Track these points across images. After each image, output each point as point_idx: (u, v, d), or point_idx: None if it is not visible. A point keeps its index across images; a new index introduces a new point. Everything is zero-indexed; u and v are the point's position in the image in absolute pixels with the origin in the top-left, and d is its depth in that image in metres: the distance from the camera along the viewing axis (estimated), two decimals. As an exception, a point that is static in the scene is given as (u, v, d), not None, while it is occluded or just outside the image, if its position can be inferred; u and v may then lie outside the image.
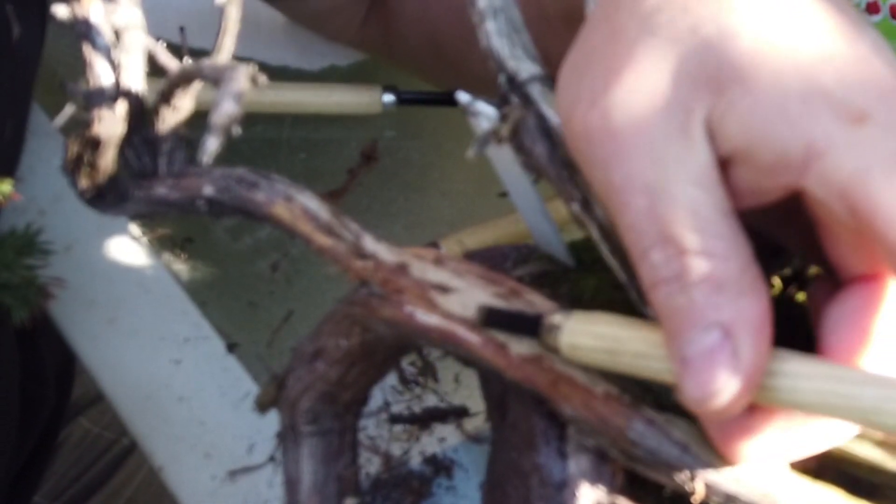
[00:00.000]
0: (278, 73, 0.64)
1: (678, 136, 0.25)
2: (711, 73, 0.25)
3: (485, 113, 0.30)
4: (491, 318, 0.31)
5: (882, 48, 0.26)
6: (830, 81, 0.24)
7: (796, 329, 0.29)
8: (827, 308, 0.26)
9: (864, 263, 0.26)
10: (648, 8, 0.27)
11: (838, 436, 0.27)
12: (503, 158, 0.32)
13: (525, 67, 0.30)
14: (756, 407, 0.26)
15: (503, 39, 0.30)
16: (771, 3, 0.26)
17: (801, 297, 0.33)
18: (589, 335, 0.28)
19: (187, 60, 0.35)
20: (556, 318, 0.29)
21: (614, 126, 0.26)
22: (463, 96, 0.30)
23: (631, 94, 0.26)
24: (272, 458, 0.53)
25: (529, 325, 0.30)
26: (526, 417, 0.32)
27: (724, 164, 0.26)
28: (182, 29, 0.44)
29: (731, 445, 0.27)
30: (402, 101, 0.62)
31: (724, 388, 0.24)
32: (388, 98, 0.62)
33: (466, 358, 0.33)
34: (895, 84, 0.24)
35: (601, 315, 0.28)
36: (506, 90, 0.30)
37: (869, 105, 0.24)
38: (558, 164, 0.29)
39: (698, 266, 0.24)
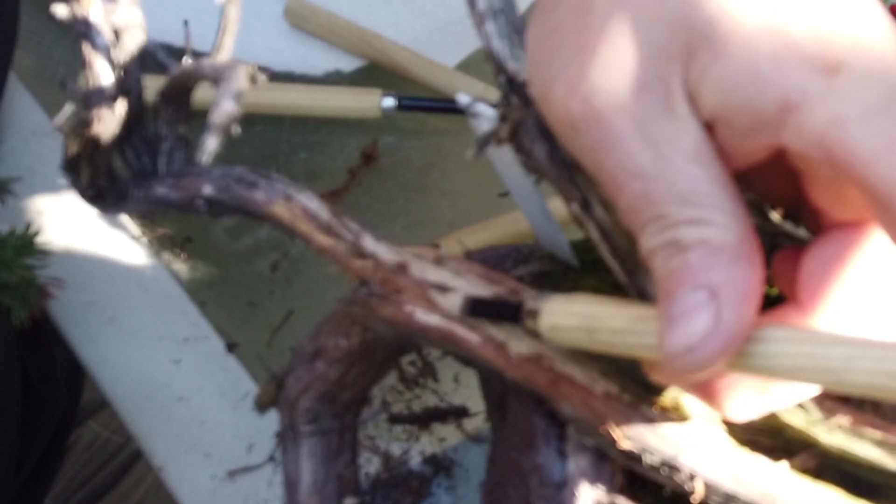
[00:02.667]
0: (282, 79, 0.64)
1: (664, 113, 0.25)
2: (682, 43, 0.25)
3: (485, 114, 0.30)
4: (475, 308, 0.31)
5: None
6: (801, 34, 0.24)
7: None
8: (804, 257, 0.27)
9: (844, 212, 0.26)
10: None
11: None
12: (504, 158, 0.32)
13: (525, 69, 0.30)
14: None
15: (503, 41, 0.30)
16: None
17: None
18: (567, 315, 0.28)
19: (189, 58, 0.35)
20: (536, 302, 0.29)
21: (598, 112, 0.25)
22: (463, 97, 0.30)
23: (609, 75, 0.25)
24: (272, 458, 0.53)
25: (511, 312, 0.30)
26: (526, 417, 0.32)
27: (708, 130, 0.25)
28: (186, 22, 0.44)
29: (714, 398, 0.27)
30: (402, 106, 0.62)
31: (699, 346, 0.24)
32: (388, 103, 0.62)
33: (466, 357, 0.33)
34: (870, 31, 0.24)
35: (579, 295, 0.29)
36: (506, 91, 0.30)
37: (843, 55, 0.23)
38: (558, 164, 0.29)
39: (696, 232, 0.25)
